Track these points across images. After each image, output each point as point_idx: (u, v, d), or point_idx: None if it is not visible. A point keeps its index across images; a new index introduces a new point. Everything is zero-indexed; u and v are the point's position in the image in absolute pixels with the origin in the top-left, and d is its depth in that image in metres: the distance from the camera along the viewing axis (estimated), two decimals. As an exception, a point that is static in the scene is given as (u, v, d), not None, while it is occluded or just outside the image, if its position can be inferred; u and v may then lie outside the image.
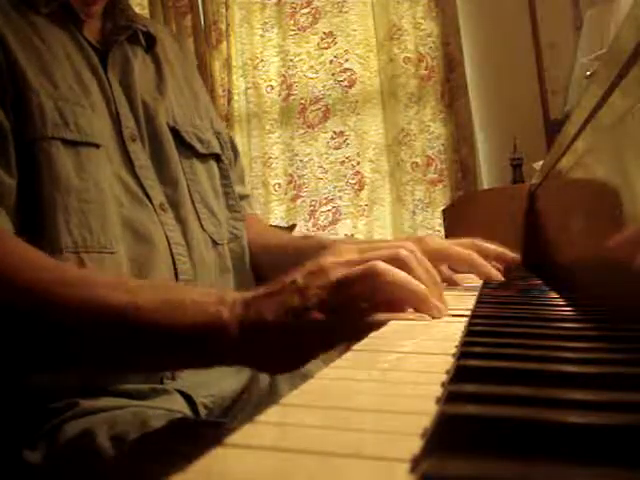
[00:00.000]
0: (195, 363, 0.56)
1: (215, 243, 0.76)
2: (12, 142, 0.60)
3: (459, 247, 0.68)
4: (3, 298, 0.53)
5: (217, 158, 0.82)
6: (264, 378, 0.81)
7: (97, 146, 0.65)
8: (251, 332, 0.48)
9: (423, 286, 0.48)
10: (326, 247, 0.62)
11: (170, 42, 0.87)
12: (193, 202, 0.75)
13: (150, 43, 0.80)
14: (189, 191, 0.75)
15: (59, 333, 0.53)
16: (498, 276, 0.69)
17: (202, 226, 0.75)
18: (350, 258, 0.50)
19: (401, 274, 0.48)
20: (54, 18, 0.69)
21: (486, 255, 0.70)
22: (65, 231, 0.60)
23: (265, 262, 0.86)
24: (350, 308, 0.48)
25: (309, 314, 0.47)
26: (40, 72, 0.64)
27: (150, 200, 0.69)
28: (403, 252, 0.50)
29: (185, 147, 0.77)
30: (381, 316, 0.47)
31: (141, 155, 0.71)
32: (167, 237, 0.69)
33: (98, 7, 0.75)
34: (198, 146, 0.79)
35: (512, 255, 0.74)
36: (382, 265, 0.48)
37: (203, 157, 0.79)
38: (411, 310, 0.49)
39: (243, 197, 0.91)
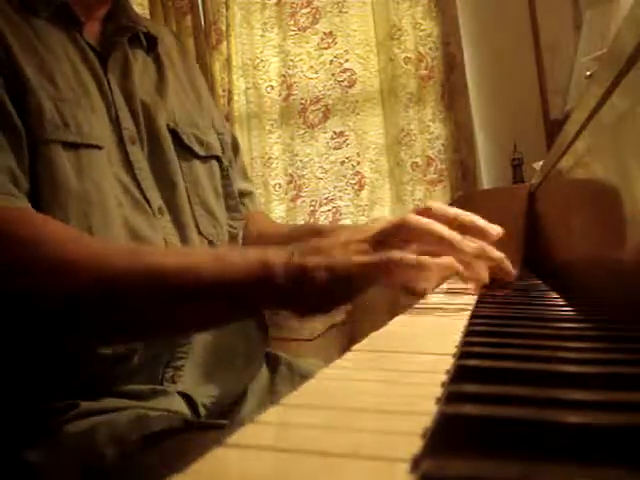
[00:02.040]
0: (245, 311, 0.60)
1: (212, 244, 0.76)
2: (25, 143, 0.60)
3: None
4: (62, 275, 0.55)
5: (218, 159, 0.82)
6: (264, 378, 0.81)
7: (99, 147, 0.65)
8: (295, 275, 0.53)
9: (456, 234, 0.56)
10: (322, 231, 0.68)
11: (172, 42, 0.87)
12: (191, 205, 0.74)
13: (151, 44, 0.80)
14: (187, 194, 0.75)
15: (119, 303, 0.56)
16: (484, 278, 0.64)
17: (199, 229, 0.75)
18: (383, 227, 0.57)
19: (434, 223, 0.55)
20: (54, 21, 0.69)
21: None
22: None
23: None
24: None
25: (348, 257, 0.53)
26: (40, 73, 0.64)
27: (149, 204, 0.69)
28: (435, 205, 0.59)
29: (184, 149, 0.77)
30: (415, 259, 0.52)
31: (140, 158, 0.70)
32: (165, 241, 0.69)
33: (100, 11, 0.75)
34: (197, 148, 0.78)
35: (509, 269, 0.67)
36: (413, 217, 0.56)
37: (204, 158, 0.79)
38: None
39: (246, 194, 0.91)
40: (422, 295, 0.55)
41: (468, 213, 0.62)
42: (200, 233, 0.75)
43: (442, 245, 0.55)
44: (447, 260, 0.55)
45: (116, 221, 0.64)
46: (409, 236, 0.56)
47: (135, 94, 0.73)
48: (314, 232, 0.76)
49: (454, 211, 0.60)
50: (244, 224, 0.86)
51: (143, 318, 0.57)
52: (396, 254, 0.52)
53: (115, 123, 0.69)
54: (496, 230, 0.62)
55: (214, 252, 0.60)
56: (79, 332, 0.58)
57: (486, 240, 0.61)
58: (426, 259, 0.52)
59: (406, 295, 0.55)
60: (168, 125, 0.75)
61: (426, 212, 0.58)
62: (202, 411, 0.66)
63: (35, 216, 0.58)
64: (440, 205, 0.59)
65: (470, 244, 0.57)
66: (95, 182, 0.63)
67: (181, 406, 0.64)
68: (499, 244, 0.76)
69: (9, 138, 0.59)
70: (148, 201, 0.69)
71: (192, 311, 0.57)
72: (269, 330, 0.83)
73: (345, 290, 0.54)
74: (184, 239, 0.71)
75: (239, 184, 0.89)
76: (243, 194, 0.89)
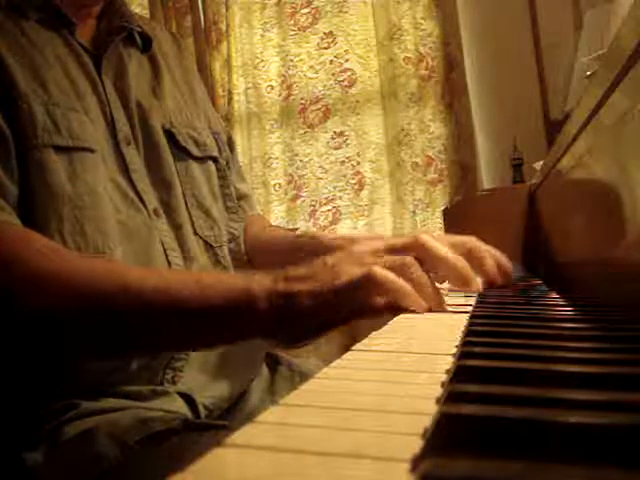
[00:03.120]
0: (226, 338, 0.58)
1: (209, 246, 0.76)
2: (13, 149, 0.60)
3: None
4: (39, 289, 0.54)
5: (214, 160, 0.82)
6: (264, 378, 0.81)
7: (91, 150, 0.65)
8: (280, 303, 0.51)
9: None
10: (327, 248, 0.64)
11: (168, 41, 0.86)
12: (187, 206, 0.74)
13: (146, 43, 0.79)
14: (184, 195, 0.74)
15: (98, 321, 0.55)
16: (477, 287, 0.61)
17: (195, 230, 0.74)
18: (378, 247, 0.55)
19: (401, 282, 0.51)
20: (45, 23, 0.68)
21: (479, 258, 0.65)
22: (58, 239, 0.60)
23: (260, 263, 0.85)
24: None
25: (334, 285, 0.50)
26: (31, 77, 0.63)
27: (144, 205, 0.68)
28: (427, 239, 0.55)
29: (180, 150, 0.76)
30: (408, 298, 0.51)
31: (135, 159, 0.70)
32: (162, 242, 0.69)
33: (94, 9, 0.74)
34: (193, 149, 0.78)
35: (507, 264, 0.66)
36: (411, 259, 0.53)
37: (200, 159, 0.79)
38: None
39: (243, 196, 0.90)
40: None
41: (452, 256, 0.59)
42: (196, 234, 0.74)
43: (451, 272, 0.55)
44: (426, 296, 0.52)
45: (110, 224, 0.64)
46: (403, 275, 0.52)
47: (130, 95, 0.72)
48: (312, 245, 0.75)
49: (442, 250, 0.56)
50: (244, 226, 0.86)
51: (123, 337, 0.56)
52: (378, 271, 0.50)
53: (110, 124, 0.69)
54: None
55: (197, 277, 0.58)
56: (60, 348, 0.58)
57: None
58: (406, 287, 0.50)
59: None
60: (164, 126, 0.74)
61: (417, 248, 0.55)
62: (202, 411, 0.66)
63: (20, 231, 0.58)
64: (429, 242, 0.56)
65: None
66: (89, 185, 0.63)
67: (181, 406, 0.64)
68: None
69: None
70: (144, 202, 0.68)
71: (172, 334, 0.56)
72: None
73: (330, 316, 0.52)
74: (180, 240, 0.71)
75: (237, 186, 0.88)
76: (241, 197, 0.89)
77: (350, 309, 0.51)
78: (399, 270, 0.52)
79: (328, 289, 0.50)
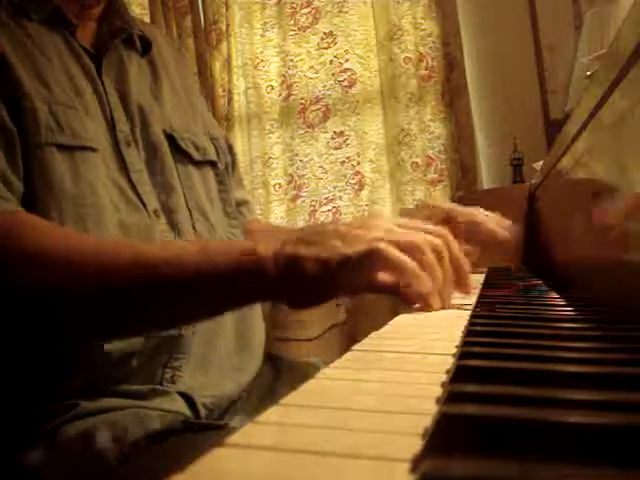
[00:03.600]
0: (235, 301, 0.59)
1: None
2: (19, 146, 0.60)
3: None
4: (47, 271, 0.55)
5: (213, 164, 0.82)
6: (264, 378, 0.81)
7: (93, 150, 0.65)
8: (285, 265, 0.52)
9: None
10: None
11: (167, 46, 0.86)
12: (189, 208, 0.74)
13: (146, 47, 0.79)
14: (185, 197, 0.74)
15: (104, 294, 0.55)
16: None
17: (196, 232, 0.74)
18: (391, 226, 0.55)
19: (433, 264, 0.53)
20: (47, 24, 0.69)
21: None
22: None
23: None
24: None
25: (343, 250, 0.51)
26: (34, 76, 0.63)
27: (145, 206, 0.68)
28: (438, 242, 0.55)
29: (180, 153, 0.76)
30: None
31: (136, 160, 0.70)
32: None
33: (95, 10, 0.74)
34: (193, 153, 0.78)
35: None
36: (427, 245, 0.53)
37: (198, 164, 0.79)
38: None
39: (243, 203, 0.91)
40: (423, 304, 0.54)
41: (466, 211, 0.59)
42: (197, 235, 0.74)
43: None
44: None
45: (111, 223, 0.64)
46: (414, 258, 0.53)
47: (130, 97, 0.72)
48: None
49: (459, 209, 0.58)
50: (243, 232, 0.86)
51: (129, 309, 0.56)
52: (383, 245, 0.51)
53: (110, 125, 0.69)
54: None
55: (201, 243, 0.59)
56: (63, 324, 0.58)
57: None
58: (407, 264, 0.51)
59: (406, 304, 0.54)
60: (164, 130, 0.75)
61: (427, 209, 0.56)
62: (202, 411, 0.66)
63: (22, 216, 0.58)
64: (451, 239, 0.56)
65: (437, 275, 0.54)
66: (90, 184, 0.63)
67: (181, 406, 0.64)
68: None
69: (0, 139, 0.59)
70: (144, 203, 0.68)
71: (179, 302, 0.56)
72: (270, 331, 0.83)
73: (336, 284, 0.53)
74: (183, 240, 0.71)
75: (236, 193, 0.89)
76: (240, 203, 0.90)
77: (354, 280, 0.52)
78: (410, 249, 0.52)
79: (335, 257, 0.51)
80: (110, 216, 0.64)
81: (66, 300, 0.55)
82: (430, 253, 0.53)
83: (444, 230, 0.57)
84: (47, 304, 0.55)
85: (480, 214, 0.74)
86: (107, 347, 0.61)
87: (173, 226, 0.71)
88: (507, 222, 0.76)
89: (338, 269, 0.51)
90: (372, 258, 0.51)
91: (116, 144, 0.68)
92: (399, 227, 0.55)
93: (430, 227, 0.57)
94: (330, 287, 0.53)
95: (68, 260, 0.55)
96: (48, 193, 0.61)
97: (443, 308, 0.54)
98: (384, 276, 0.52)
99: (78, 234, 0.60)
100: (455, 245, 0.57)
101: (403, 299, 0.55)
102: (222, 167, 0.83)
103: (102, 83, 0.70)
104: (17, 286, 0.55)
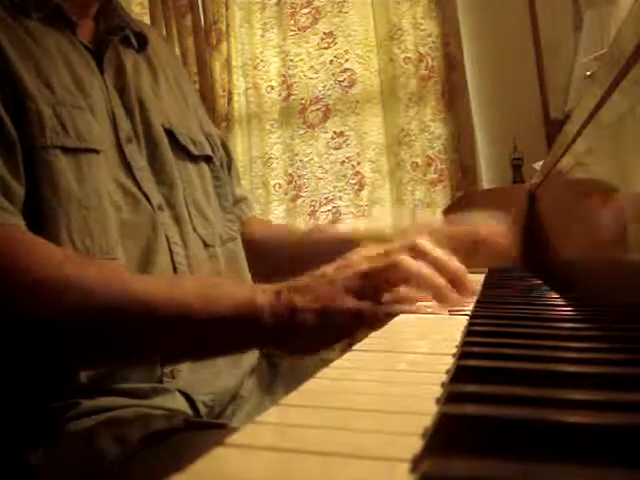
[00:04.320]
0: (231, 348, 0.61)
1: (206, 245, 0.76)
2: (20, 150, 0.60)
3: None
4: (35, 292, 0.55)
5: (208, 159, 0.82)
6: (264, 378, 0.81)
7: (96, 152, 0.65)
8: (283, 316, 0.53)
9: (443, 280, 0.55)
10: (343, 240, 0.67)
11: (160, 43, 0.87)
12: (186, 203, 0.75)
13: (141, 44, 0.80)
14: (184, 192, 0.75)
15: (103, 330, 0.56)
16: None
17: (194, 228, 0.75)
18: (374, 252, 0.56)
19: (424, 267, 0.54)
20: (47, 22, 0.69)
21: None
22: (67, 239, 0.60)
23: (264, 262, 0.86)
24: (375, 297, 0.54)
25: (337, 299, 0.52)
26: (37, 77, 0.63)
27: (149, 201, 0.69)
28: (421, 243, 0.56)
29: (179, 149, 0.77)
30: (403, 307, 0.53)
31: (138, 157, 0.71)
32: (167, 236, 0.69)
33: (92, 8, 0.75)
34: (192, 148, 0.79)
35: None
36: (407, 259, 0.54)
37: (195, 159, 0.79)
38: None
39: (241, 200, 0.92)
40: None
41: (447, 259, 0.58)
42: (195, 231, 0.75)
43: (430, 291, 0.54)
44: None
45: (115, 224, 0.64)
46: (400, 276, 0.54)
47: (130, 93, 0.73)
48: (314, 245, 0.77)
49: (437, 253, 0.57)
50: (242, 228, 0.86)
51: (127, 346, 0.58)
52: (389, 307, 0.52)
53: (112, 122, 0.69)
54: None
55: (203, 287, 0.59)
56: (62, 354, 0.59)
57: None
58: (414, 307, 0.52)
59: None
60: (163, 125, 0.75)
61: (414, 250, 0.56)
62: (202, 409, 0.66)
63: (23, 235, 0.58)
64: (425, 245, 0.57)
65: (451, 295, 0.55)
66: (94, 186, 0.63)
67: (181, 404, 0.64)
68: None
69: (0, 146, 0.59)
70: (148, 198, 0.69)
71: (178, 345, 0.58)
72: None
73: (333, 333, 0.54)
74: (183, 235, 0.72)
75: (235, 191, 0.90)
76: (239, 199, 0.90)
77: (352, 329, 0.53)
78: (395, 273, 0.54)
79: (331, 308, 0.52)
80: (114, 217, 0.64)
81: (63, 332, 0.56)
82: (414, 263, 0.54)
83: (420, 241, 0.57)
84: (44, 332, 0.56)
85: (479, 229, 0.74)
86: None
87: (176, 220, 0.72)
88: (503, 228, 0.76)
89: (333, 319, 0.52)
90: (393, 271, 0.52)
91: (118, 142, 0.69)
92: (379, 252, 0.57)
93: (406, 242, 0.57)
94: (327, 336, 0.55)
95: (69, 294, 0.55)
96: (55, 197, 0.61)
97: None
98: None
99: (79, 263, 0.59)
100: (435, 251, 0.57)
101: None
102: (217, 163, 0.84)
103: (104, 80, 0.71)
104: (16, 313, 0.55)
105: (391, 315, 0.52)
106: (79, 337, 0.56)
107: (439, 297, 0.54)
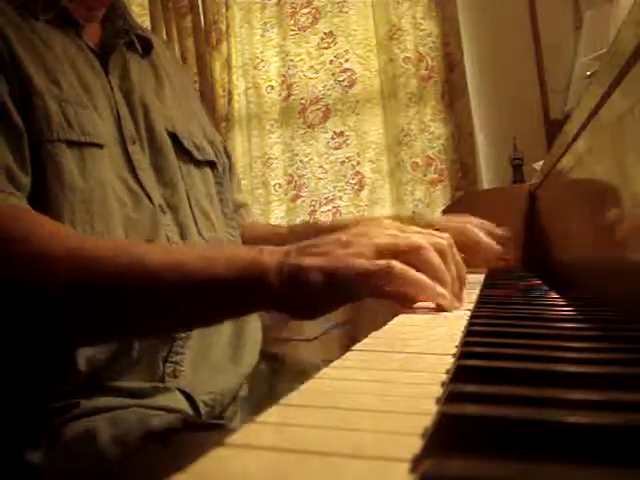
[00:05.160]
0: (237, 310, 0.59)
1: None
2: (27, 142, 0.61)
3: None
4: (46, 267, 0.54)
5: (212, 165, 0.83)
6: (264, 378, 0.81)
7: (100, 146, 0.66)
8: (289, 275, 0.51)
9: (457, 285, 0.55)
10: (322, 230, 0.67)
11: (164, 49, 0.89)
12: (191, 206, 0.75)
13: (146, 49, 0.81)
14: (187, 195, 0.75)
15: (102, 299, 0.55)
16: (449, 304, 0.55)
17: (198, 230, 0.75)
18: (394, 231, 0.55)
19: (443, 266, 0.53)
20: (54, 24, 0.70)
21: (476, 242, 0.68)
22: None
23: None
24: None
25: (347, 259, 0.51)
26: (45, 75, 0.65)
27: (151, 201, 0.69)
28: (443, 242, 0.55)
29: (183, 152, 0.78)
30: (412, 283, 0.52)
31: (141, 157, 0.71)
32: (168, 238, 0.69)
33: (100, 11, 0.76)
34: (195, 152, 0.79)
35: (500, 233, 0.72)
36: (430, 249, 0.53)
37: (199, 163, 0.80)
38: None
39: (242, 205, 0.93)
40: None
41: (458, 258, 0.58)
42: (200, 234, 0.75)
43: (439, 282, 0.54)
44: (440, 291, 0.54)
45: (117, 219, 0.65)
46: (417, 261, 0.53)
47: (134, 96, 0.74)
48: (315, 230, 0.76)
49: (457, 256, 0.57)
50: (241, 233, 0.87)
51: (129, 314, 0.56)
52: (398, 265, 0.50)
53: (117, 123, 0.70)
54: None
55: (203, 249, 0.59)
56: (63, 328, 0.58)
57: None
58: (426, 281, 0.52)
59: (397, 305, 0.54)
60: (167, 128, 0.76)
61: (434, 245, 0.55)
62: (202, 408, 0.66)
63: (27, 214, 0.58)
64: (447, 245, 0.56)
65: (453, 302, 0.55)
66: (98, 180, 0.64)
67: (182, 403, 0.64)
68: (485, 252, 0.77)
69: (7, 136, 0.60)
70: (150, 198, 0.69)
71: (180, 309, 0.56)
72: (270, 331, 0.83)
73: (341, 294, 0.53)
74: (185, 237, 0.72)
75: (235, 197, 0.90)
76: (239, 205, 0.91)
77: (358, 290, 0.52)
78: (414, 250, 0.53)
79: (339, 267, 0.50)
80: (117, 212, 0.65)
81: (65, 302, 0.55)
82: (435, 254, 0.53)
83: (445, 234, 0.57)
84: (45, 305, 0.55)
85: (467, 225, 0.75)
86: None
87: (178, 223, 0.72)
88: (499, 230, 0.77)
89: (342, 280, 0.51)
90: (388, 277, 0.51)
91: (123, 142, 0.70)
92: (399, 231, 0.56)
93: (430, 231, 0.57)
94: (333, 298, 0.53)
95: (70, 263, 0.54)
96: (60, 189, 0.61)
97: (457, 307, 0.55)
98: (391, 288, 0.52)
99: (81, 236, 0.60)
100: (455, 249, 0.57)
101: (403, 303, 0.55)
102: (220, 169, 0.84)
103: (109, 82, 0.72)
104: (17, 284, 0.55)
105: (399, 283, 0.50)
106: (80, 308, 0.55)
107: (438, 297, 0.54)
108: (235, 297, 0.54)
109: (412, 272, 0.51)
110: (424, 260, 0.53)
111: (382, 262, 0.51)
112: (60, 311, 0.56)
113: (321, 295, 0.51)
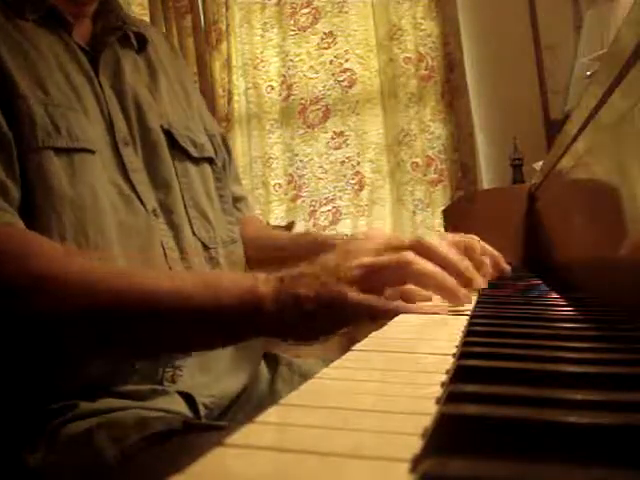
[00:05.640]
0: (234, 338, 0.60)
1: (206, 247, 0.76)
2: (15, 151, 0.59)
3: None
4: (47, 293, 0.54)
5: (210, 161, 0.82)
6: (264, 378, 0.81)
7: (91, 152, 0.65)
8: (285, 304, 0.52)
9: (450, 278, 0.54)
10: (324, 245, 0.66)
11: (161, 43, 0.86)
12: (186, 206, 0.74)
13: (141, 44, 0.79)
14: (182, 195, 0.74)
15: (106, 323, 0.55)
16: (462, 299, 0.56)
17: (193, 231, 0.74)
18: (379, 245, 0.56)
19: (429, 265, 0.53)
20: (42, 23, 0.68)
21: (476, 257, 0.69)
22: (59, 240, 0.60)
23: (258, 262, 0.86)
24: (378, 292, 0.53)
25: (340, 288, 0.52)
26: (30, 78, 0.63)
27: (144, 205, 0.68)
28: (429, 240, 0.56)
29: (179, 150, 0.76)
30: (409, 305, 0.53)
31: (134, 159, 0.70)
32: (162, 242, 0.69)
33: (89, 8, 0.74)
34: (192, 149, 0.78)
35: (504, 265, 0.73)
36: (412, 255, 0.53)
37: (196, 160, 0.79)
38: (436, 299, 0.56)
39: (240, 199, 0.91)
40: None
41: (454, 251, 0.59)
42: (194, 234, 0.74)
43: (437, 289, 0.54)
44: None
45: (110, 225, 0.64)
46: (405, 273, 0.53)
47: (127, 94, 0.72)
48: (313, 245, 0.76)
49: (444, 250, 0.57)
50: (240, 229, 0.86)
51: (130, 339, 0.57)
52: (391, 304, 0.52)
53: (108, 125, 0.69)
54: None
55: (206, 278, 0.59)
56: (64, 349, 0.58)
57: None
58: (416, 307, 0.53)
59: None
60: (162, 126, 0.74)
61: (419, 248, 0.55)
62: (202, 410, 0.66)
63: (23, 233, 0.58)
64: (431, 243, 0.56)
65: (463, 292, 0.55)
66: (89, 186, 0.63)
67: (181, 406, 0.64)
68: (499, 245, 0.77)
69: None
70: (143, 203, 0.68)
71: (182, 335, 0.57)
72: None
73: (334, 322, 0.54)
74: (178, 240, 0.71)
75: (233, 189, 0.89)
76: (237, 199, 0.90)
77: (355, 316, 0.53)
78: (398, 267, 0.53)
79: (335, 299, 0.52)
80: (110, 218, 0.64)
81: (64, 326, 0.55)
82: (421, 262, 0.53)
83: (426, 239, 0.57)
84: (43, 328, 0.56)
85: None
86: None
87: (172, 225, 0.71)
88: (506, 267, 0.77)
89: (337, 309, 0.52)
90: (400, 270, 0.52)
91: (114, 144, 0.68)
92: (385, 246, 0.56)
93: (412, 239, 0.57)
94: (330, 325, 0.54)
95: (71, 288, 0.54)
96: (46, 198, 0.60)
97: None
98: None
99: (81, 259, 0.59)
100: (442, 248, 0.57)
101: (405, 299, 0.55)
102: (219, 164, 0.83)
103: (99, 81, 0.70)
104: (14, 306, 0.55)
105: (392, 310, 0.51)
106: (81, 331, 0.56)
107: (449, 297, 0.54)
108: (232, 325, 0.55)
109: (408, 307, 0.53)
110: (416, 272, 0.53)
111: (376, 299, 0.52)
112: (57, 333, 0.56)
113: (318, 323, 0.53)
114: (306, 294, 0.52)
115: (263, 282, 0.54)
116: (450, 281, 0.54)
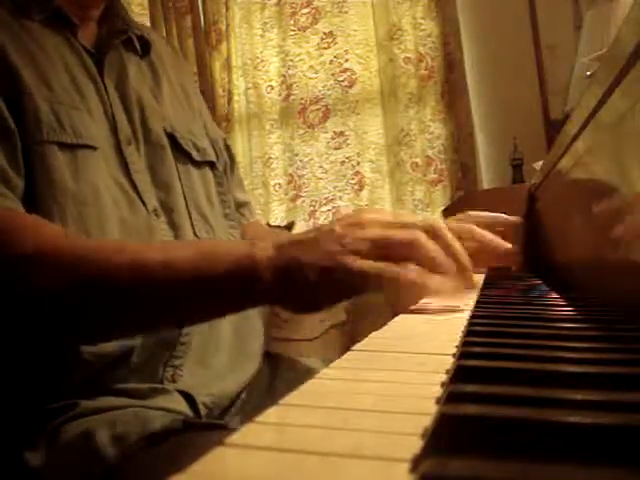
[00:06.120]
0: (232, 306, 0.58)
1: None
2: (19, 144, 0.60)
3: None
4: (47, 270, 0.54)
5: (212, 165, 0.82)
6: (264, 378, 0.81)
7: (94, 148, 0.65)
8: (284, 272, 0.51)
9: (454, 269, 0.52)
10: None
11: (164, 48, 0.87)
12: (187, 207, 0.74)
13: (145, 48, 0.80)
14: (184, 197, 0.74)
15: (101, 298, 0.55)
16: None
17: (195, 231, 0.74)
18: (389, 219, 0.53)
19: (441, 254, 0.51)
20: (48, 24, 0.69)
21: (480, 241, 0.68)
22: None
23: None
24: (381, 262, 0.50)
25: (343, 257, 0.49)
26: (36, 75, 0.64)
27: (145, 205, 0.69)
28: (439, 224, 0.53)
29: (181, 153, 0.76)
30: (409, 276, 0.50)
31: (136, 159, 0.70)
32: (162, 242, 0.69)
33: (95, 11, 0.75)
34: (194, 153, 0.78)
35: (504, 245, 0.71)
36: (425, 237, 0.51)
37: (198, 164, 0.79)
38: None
39: (243, 204, 0.91)
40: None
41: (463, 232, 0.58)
42: (195, 235, 0.74)
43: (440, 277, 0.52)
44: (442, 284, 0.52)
45: (112, 222, 0.64)
46: (412, 254, 0.51)
47: (131, 96, 0.73)
48: None
49: (452, 239, 0.55)
50: (242, 233, 0.86)
51: (126, 311, 0.56)
52: (396, 270, 0.49)
53: (112, 125, 0.69)
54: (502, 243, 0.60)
55: (199, 246, 0.58)
56: (62, 327, 0.58)
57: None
58: (426, 282, 0.50)
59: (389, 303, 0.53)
60: (165, 129, 0.75)
61: (431, 231, 0.53)
62: (202, 409, 0.66)
63: (22, 216, 0.58)
64: (442, 227, 0.54)
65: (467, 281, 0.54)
66: (91, 183, 0.63)
67: (181, 405, 0.64)
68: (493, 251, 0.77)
69: (0, 138, 0.59)
70: (144, 202, 0.69)
71: (176, 305, 0.56)
72: (269, 331, 0.83)
73: (336, 292, 0.52)
74: (180, 238, 0.71)
75: (236, 195, 0.89)
76: (240, 204, 0.90)
77: (358, 290, 0.51)
78: (409, 245, 0.51)
79: (337, 268, 0.50)
80: (111, 214, 0.64)
81: (63, 301, 0.55)
82: (432, 246, 0.52)
83: (438, 222, 0.56)
84: (43, 304, 0.55)
85: (471, 226, 0.73)
86: (106, 344, 0.61)
87: (173, 226, 0.71)
88: (512, 218, 0.76)
89: (339, 279, 0.50)
90: (407, 247, 0.50)
91: (117, 143, 0.69)
92: (394, 221, 0.54)
93: (423, 219, 0.56)
94: (331, 294, 0.52)
95: (67, 262, 0.55)
96: (49, 192, 0.61)
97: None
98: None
99: (77, 235, 0.60)
100: (451, 235, 0.55)
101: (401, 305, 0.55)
102: (221, 169, 0.84)
103: (103, 83, 0.70)
104: (14, 285, 0.55)
105: (395, 280, 0.49)
106: (82, 305, 0.55)
107: (445, 285, 0.53)
108: (230, 292, 0.54)
109: (412, 276, 0.50)
110: (422, 253, 0.51)
111: (382, 267, 0.50)
112: (57, 310, 0.56)
113: (318, 292, 0.51)
114: (305, 261, 0.50)
115: (261, 248, 0.52)
116: (453, 270, 0.52)
